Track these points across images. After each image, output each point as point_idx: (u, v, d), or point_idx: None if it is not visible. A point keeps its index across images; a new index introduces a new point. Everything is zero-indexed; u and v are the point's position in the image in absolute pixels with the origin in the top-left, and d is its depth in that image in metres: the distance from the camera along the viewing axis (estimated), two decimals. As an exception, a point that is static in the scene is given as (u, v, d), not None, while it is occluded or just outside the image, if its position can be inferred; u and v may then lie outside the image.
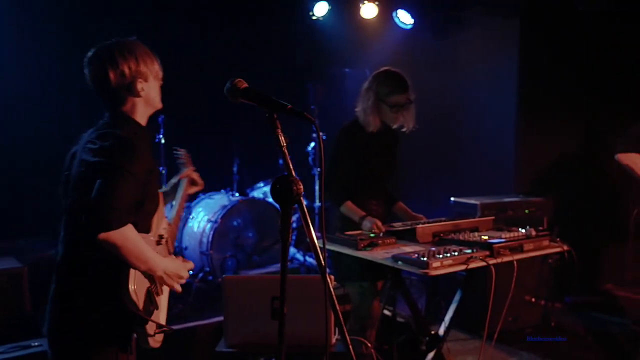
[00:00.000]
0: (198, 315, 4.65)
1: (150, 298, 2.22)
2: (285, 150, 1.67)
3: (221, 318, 3.29)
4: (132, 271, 2.07)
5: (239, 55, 7.08)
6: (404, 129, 3.60)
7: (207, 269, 5.40)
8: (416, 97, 3.55)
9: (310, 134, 6.40)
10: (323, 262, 1.65)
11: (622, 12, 5.26)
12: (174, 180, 2.88)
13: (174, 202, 2.79)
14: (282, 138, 1.67)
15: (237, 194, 5.91)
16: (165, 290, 2.44)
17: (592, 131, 5.86)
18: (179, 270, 2.29)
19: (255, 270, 5.46)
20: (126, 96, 2.18)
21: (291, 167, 1.64)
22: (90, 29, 5.43)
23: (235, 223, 5.59)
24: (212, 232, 5.37)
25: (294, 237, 6.08)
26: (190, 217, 5.73)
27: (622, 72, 5.44)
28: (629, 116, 4.00)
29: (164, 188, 2.86)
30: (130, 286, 2.06)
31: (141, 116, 2.24)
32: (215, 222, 5.41)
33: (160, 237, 2.40)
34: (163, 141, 5.33)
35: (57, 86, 5.53)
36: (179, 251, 5.77)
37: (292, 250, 6.13)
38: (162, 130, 5.34)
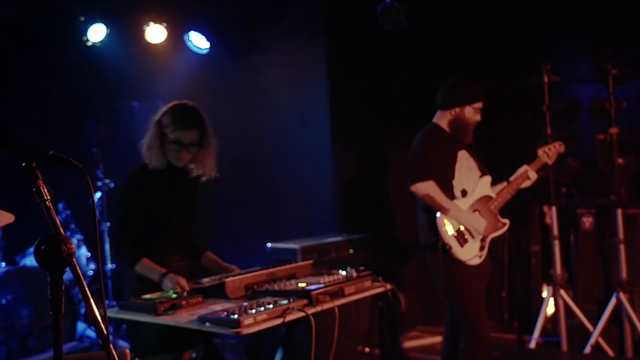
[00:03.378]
0: None
1: None
2: (50, 205, 1.66)
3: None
4: None
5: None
6: (203, 178, 3.68)
7: (-32, 363, 5.00)
8: (217, 142, 3.64)
9: (94, 182, 6.23)
10: (105, 332, 1.65)
11: (426, 32, 5.89)
12: None
13: None
14: (45, 190, 1.66)
15: (2, 264, 5.58)
16: None
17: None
18: None
19: (33, 357, 5.17)
20: None
21: (58, 223, 1.63)
22: None
23: (3, 301, 5.27)
24: (-28, 316, 4.99)
25: (82, 310, 5.83)
26: (-59, 299, 5.29)
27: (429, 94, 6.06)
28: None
29: None
30: None
31: None
32: (-24, 302, 5.05)
33: None
34: None
35: None
36: None
37: (81, 326, 5.88)
38: None
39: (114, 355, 1.66)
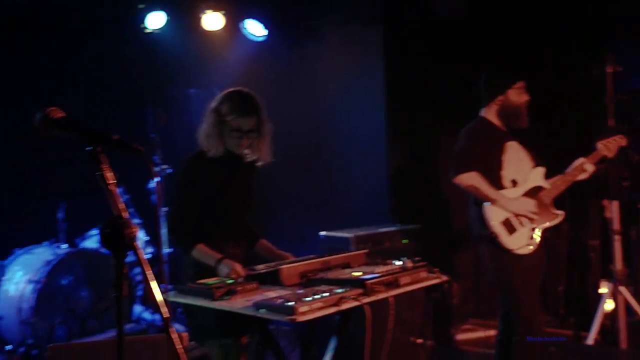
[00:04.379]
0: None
1: None
2: (114, 189, 1.68)
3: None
4: None
5: (57, 79, 6.89)
6: (258, 163, 3.70)
7: (30, 341, 5.17)
8: (271, 127, 3.66)
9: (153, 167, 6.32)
10: (165, 316, 1.68)
11: (483, 17, 5.79)
12: None
13: None
14: (109, 174, 1.69)
15: (64, 246, 5.70)
16: None
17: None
18: None
19: (93, 338, 5.29)
20: None
21: (121, 207, 1.65)
22: None
23: (64, 282, 5.41)
24: (34, 295, 5.16)
25: (139, 293, 5.94)
26: (5, 278, 5.47)
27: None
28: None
29: None
30: None
31: None
32: (38, 282, 5.21)
33: None
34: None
35: None
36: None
37: (138, 308, 5.99)
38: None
39: (174, 338, 1.68)
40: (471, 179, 4.12)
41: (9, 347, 5.34)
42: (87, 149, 1.71)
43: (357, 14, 6.21)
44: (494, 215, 4.13)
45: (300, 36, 6.51)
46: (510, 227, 4.14)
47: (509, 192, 4.21)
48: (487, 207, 4.13)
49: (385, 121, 6.11)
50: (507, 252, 4.14)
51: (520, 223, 4.17)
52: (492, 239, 4.12)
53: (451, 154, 4.33)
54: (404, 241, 5.32)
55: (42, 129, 1.75)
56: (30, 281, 5.25)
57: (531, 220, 4.18)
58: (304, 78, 6.59)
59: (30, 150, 6.69)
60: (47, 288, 5.23)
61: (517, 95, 4.26)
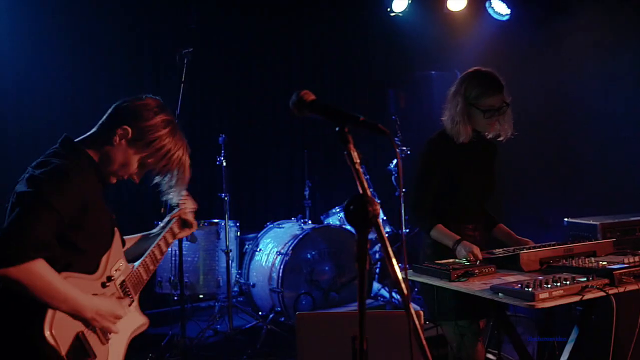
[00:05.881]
0: (269, 362, 4.80)
1: (82, 345, 2.33)
2: (359, 167, 1.75)
3: (296, 363, 3.39)
4: (50, 313, 2.22)
5: (307, 62, 7.30)
6: (500, 138, 3.61)
7: (278, 308, 5.54)
8: (511, 99, 3.57)
9: (392, 149, 6.47)
10: (405, 292, 1.73)
11: None
12: (163, 222, 2.99)
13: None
14: (355, 154, 1.76)
15: (309, 222, 6.03)
16: (119, 337, 2.55)
17: None
18: (114, 309, 2.43)
19: (334, 310, 5.53)
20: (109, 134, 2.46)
21: (365, 185, 1.72)
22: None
23: (308, 255, 5.70)
24: (282, 266, 5.50)
25: (377, 270, 6.12)
26: (258, 249, 5.90)
27: None
28: None
29: (155, 230, 2.98)
30: (45, 330, 2.19)
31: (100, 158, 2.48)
32: (286, 254, 5.54)
33: (109, 278, 2.51)
34: (224, 164, 5.52)
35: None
36: (245, 289, 5.96)
37: (376, 285, 6.17)
38: (222, 152, 5.54)
39: (413, 314, 1.73)
40: None
41: (260, 314, 5.80)
42: (335, 129, 1.80)
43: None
44: None
45: (547, 13, 6.25)
46: None
47: None
48: None
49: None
50: None
51: None
52: None
53: None
54: (658, 231, 4.90)
55: (296, 110, 1.88)
56: (279, 253, 5.64)
57: None
58: (551, 57, 6.33)
59: (279, 133, 7.20)
60: (294, 260, 5.57)
61: None
